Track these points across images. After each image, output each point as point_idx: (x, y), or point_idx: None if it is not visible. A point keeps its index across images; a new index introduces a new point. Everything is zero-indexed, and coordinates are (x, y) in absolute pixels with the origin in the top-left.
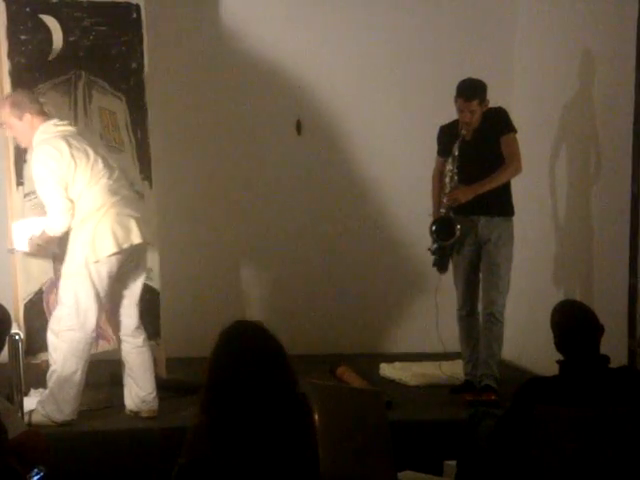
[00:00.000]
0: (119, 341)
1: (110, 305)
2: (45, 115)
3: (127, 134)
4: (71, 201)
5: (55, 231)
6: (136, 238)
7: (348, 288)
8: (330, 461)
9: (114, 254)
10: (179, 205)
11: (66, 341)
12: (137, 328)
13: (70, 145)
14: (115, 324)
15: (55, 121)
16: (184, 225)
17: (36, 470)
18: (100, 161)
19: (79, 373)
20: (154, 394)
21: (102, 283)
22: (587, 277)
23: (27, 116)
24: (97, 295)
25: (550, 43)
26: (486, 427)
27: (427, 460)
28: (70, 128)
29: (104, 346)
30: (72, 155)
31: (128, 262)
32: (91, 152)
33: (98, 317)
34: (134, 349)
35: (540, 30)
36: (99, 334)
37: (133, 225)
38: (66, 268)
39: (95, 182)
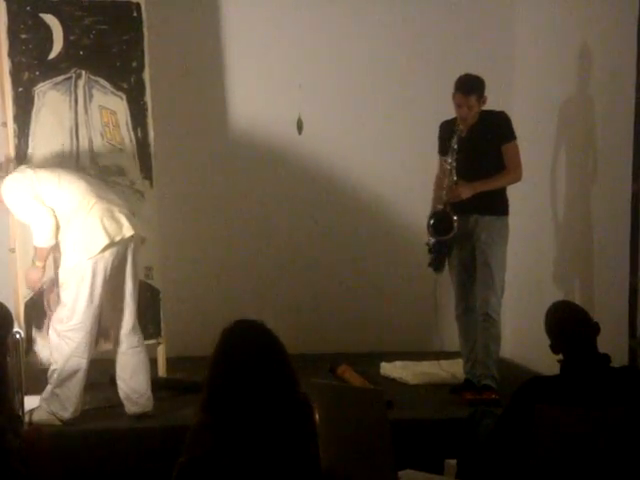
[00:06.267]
0: (117, 342)
1: (108, 304)
2: None
3: (128, 133)
4: (52, 209)
5: (45, 241)
6: (128, 231)
7: (349, 287)
8: (331, 460)
9: (107, 247)
10: (180, 204)
11: (68, 342)
12: (133, 327)
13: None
14: (115, 324)
15: None
16: (185, 224)
17: None
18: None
19: (81, 372)
20: (147, 395)
21: (99, 280)
22: (587, 277)
23: None
24: (95, 293)
25: (550, 41)
26: (486, 426)
27: (428, 459)
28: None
29: (105, 346)
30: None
31: (122, 256)
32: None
33: (97, 315)
34: (129, 349)
35: (539, 28)
36: (101, 333)
37: (123, 219)
38: (63, 270)
39: (68, 182)
